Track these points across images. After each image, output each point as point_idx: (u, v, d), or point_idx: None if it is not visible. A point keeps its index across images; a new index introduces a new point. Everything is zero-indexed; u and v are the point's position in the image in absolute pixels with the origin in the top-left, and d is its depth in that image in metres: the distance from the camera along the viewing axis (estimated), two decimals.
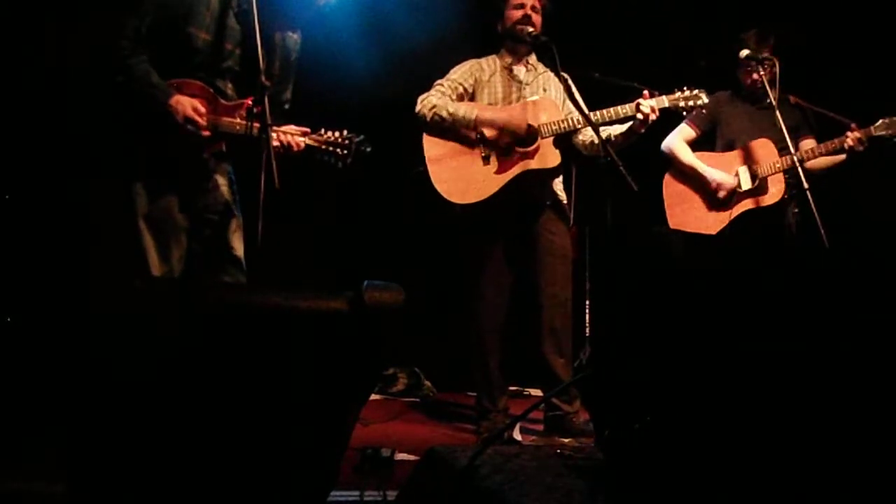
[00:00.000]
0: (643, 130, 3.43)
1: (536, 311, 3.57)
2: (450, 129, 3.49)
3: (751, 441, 1.55)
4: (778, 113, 3.62)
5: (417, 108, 3.54)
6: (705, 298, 1.74)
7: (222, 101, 2.86)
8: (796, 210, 3.82)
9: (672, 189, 3.97)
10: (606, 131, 3.53)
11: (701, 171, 3.91)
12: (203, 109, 2.79)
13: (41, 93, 3.77)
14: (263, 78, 2.68)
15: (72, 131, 3.76)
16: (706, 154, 3.98)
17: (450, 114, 3.47)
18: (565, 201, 3.67)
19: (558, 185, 3.66)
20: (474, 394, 3.72)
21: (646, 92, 3.41)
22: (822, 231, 3.28)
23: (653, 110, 3.37)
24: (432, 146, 3.52)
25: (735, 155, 3.90)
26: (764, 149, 3.82)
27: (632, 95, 3.44)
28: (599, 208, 4.20)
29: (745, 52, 3.76)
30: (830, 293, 1.63)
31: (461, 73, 3.62)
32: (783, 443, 1.53)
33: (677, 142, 4.01)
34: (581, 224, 4.34)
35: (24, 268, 3.68)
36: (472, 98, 3.61)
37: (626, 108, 3.40)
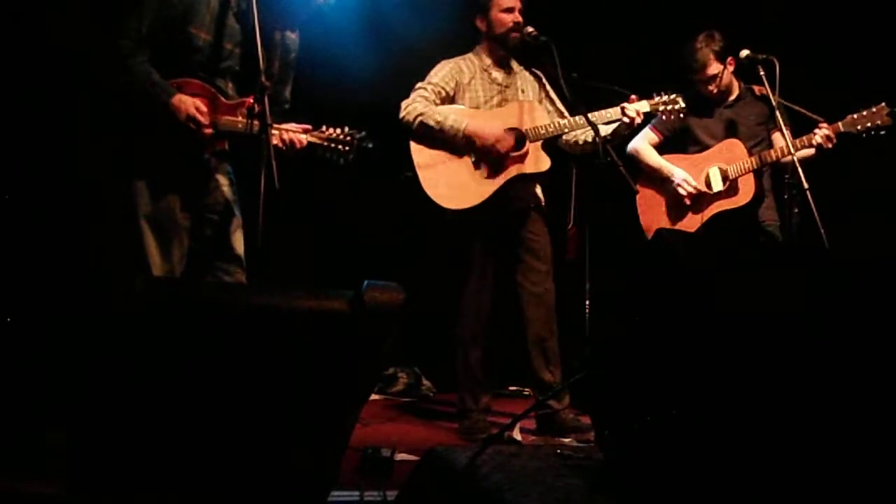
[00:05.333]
0: (627, 132, 3.57)
1: (520, 312, 3.61)
2: (437, 136, 3.50)
3: (750, 440, 1.55)
4: (778, 113, 3.60)
5: (402, 114, 3.54)
6: (705, 298, 1.74)
7: (223, 100, 2.86)
8: (796, 210, 3.80)
9: (643, 195, 3.96)
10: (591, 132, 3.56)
11: (667, 170, 3.90)
12: (205, 108, 2.80)
13: (42, 93, 3.77)
14: (263, 78, 2.69)
15: (73, 131, 3.75)
16: (677, 156, 3.96)
17: (437, 122, 3.48)
18: (544, 203, 3.72)
19: (538, 188, 3.71)
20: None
21: (633, 97, 3.47)
22: (822, 231, 3.27)
23: (638, 114, 3.47)
24: (420, 152, 3.53)
25: (705, 157, 3.88)
26: (734, 150, 3.81)
27: (613, 98, 3.49)
28: (599, 209, 4.20)
29: (745, 53, 3.74)
30: (827, 293, 1.63)
31: (442, 77, 3.61)
32: (782, 442, 1.53)
33: (642, 144, 3.99)
34: (581, 225, 4.34)
35: (24, 268, 3.68)
36: (452, 100, 3.61)
37: (612, 112, 3.46)
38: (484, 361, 3.66)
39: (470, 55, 3.68)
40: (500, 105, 3.60)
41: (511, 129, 3.51)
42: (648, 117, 3.63)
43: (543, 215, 3.69)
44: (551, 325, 3.61)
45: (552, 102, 3.72)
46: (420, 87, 3.58)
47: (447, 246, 3.75)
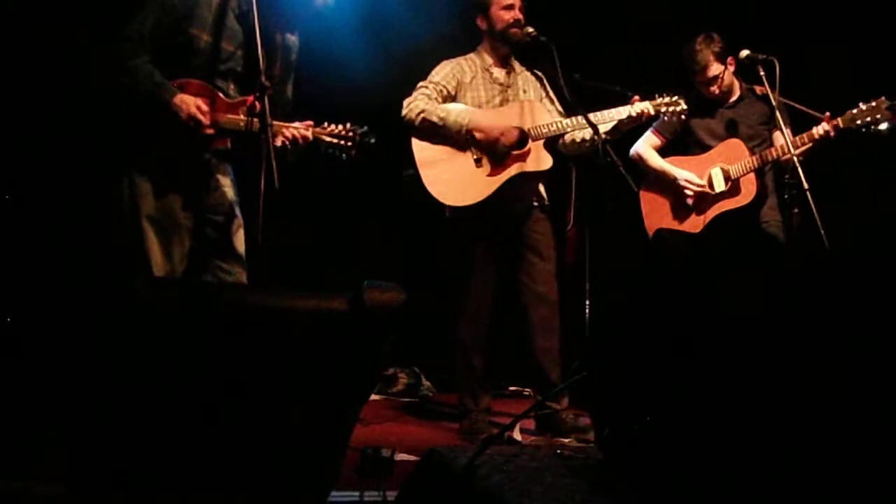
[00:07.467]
0: (628, 129, 3.55)
1: (522, 311, 3.60)
2: (439, 133, 3.51)
3: (750, 440, 1.55)
4: (778, 113, 3.60)
5: (404, 111, 3.55)
6: (705, 298, 1.74)
7: (224, 99, 2.86)
8: (796, 210, 3.79)
9: (647, 198, 3.97)
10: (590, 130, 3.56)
11: (670, 171, 3.91)
12: (206, 107, 2.80)
13: (43, 93, 3.77)
14: (264, 78, 2.69)
15: (74, 131, 3.75)
16: (679, 158, 3.96)
17: (440, 119, 3.50)
18: (548, 203, 3.70)
19: (542, 186, 3.69)
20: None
21: (636, 97, 3.46)
22: (822, 231, 3.27)
23: (642, 112, 3.45)
24: (422, 149, 3.54)
25: (707, 157, 3.88)
26: (735, 149, 3.80)
27: (615, 98, 3.49)
28: (599, 209, 4.20)
29: (745, 53, 3.73)
30: (828, 291, 1.63)
31: (444, 76, 3.63)
32: (782, 442, 1.53)
33: (645, 148, 4.01)
34: (581, 225, 4.34)
35: (24, 268, 3.68)
36: (454, 99, 3.62)
37: (613, 113, 3.45)
38: (485, 364, 3.66)
39: (472, 55, 3.69)
40: (501, 104, 3.61)
41: (514, 128, 3.52)
42: (651, 119, 3.62)
43: (548, 214, 3.68)
44: (554, 324, 3.60)
45: (552, 103, 3.72)
46: (422, 86, 3.59)
47: (449, 245, 3.72)
